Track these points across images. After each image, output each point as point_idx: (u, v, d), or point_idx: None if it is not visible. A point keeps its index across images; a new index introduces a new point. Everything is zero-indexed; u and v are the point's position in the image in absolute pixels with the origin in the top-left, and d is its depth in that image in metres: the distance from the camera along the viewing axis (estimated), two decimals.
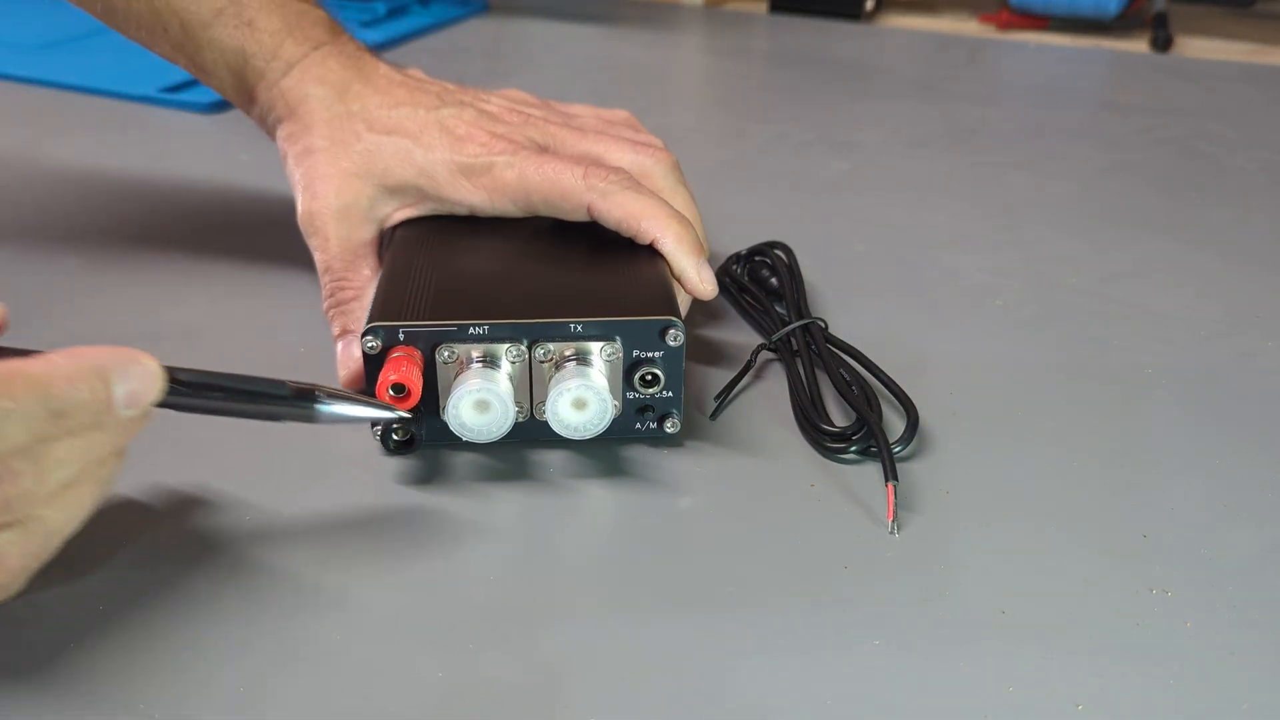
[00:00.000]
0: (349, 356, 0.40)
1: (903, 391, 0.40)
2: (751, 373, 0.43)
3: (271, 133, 0.45)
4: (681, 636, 0.31)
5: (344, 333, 0.41)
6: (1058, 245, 0.57)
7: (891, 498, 0.35)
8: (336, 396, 0.33)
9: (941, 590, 0.33)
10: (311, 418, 0.32)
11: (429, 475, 0.37)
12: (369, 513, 0.35)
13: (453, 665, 0.29)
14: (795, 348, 0.43)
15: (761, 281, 0.48)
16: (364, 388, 0.36)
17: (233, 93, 0.45)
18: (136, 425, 0.29)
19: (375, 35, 0.91)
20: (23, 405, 0.26)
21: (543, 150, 0.42)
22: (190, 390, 0.31)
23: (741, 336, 0.47)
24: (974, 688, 0.29)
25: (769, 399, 0.42)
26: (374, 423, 0.35)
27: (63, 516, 0.29)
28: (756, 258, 0.49)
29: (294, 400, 0.32)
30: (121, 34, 0.44)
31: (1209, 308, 0.51)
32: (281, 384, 0.32)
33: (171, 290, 0.49)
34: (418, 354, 0.35)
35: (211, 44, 0.43)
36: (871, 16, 1.14)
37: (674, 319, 0.36)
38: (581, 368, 0.36)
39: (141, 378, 0.28)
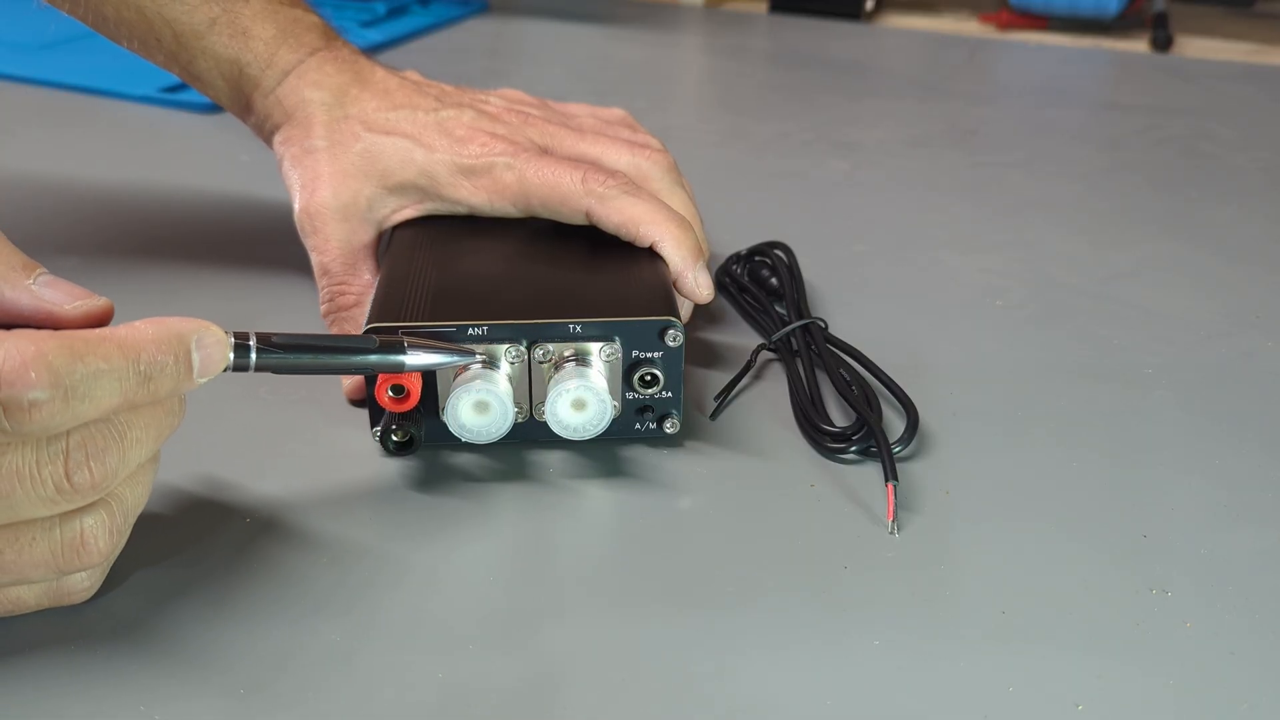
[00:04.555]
0: None
1: (903, 391, 0.40)
2: (751, 373, 0.43)
3: (268, 140, 0.44)
4: (681, 636, 0.31)
5: None
6: (1058, 245, 0.57)
7: (891, 498, 0.35)
8: (420, 346, 0.33)
9: (941, 590, 0.33)
10: (400, 366, 0.33)
11: (429, 475, 0.37)
12: (369, 513, 0.35)
13: (453, 665, 0.29)
14: (795, 348, 0.43)
15: (761, 281, 0.48)
16: (366, 391, 0.36)
17: (229, 101, 0.44)
18: (181, 410, 0.30)
19: (375, 35, 0.91)
20: (115, 366, 0.26)
21: (543, 152, 0.42)
22: (285, 350, 0.31)
23: (741, 336, 0.47)
24: (974, 688, 0.29)
25: (769, 399, 0.42)
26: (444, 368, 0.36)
27: (135, 495, 0.30)
28: (756, 258, 0.49)
29: (384, 350, 0.33)
30: (115, 43, 0.44)
31: (1209, 308, 0.51)
32: (370, 338, 0.33)
33: (171, 291, 0.49)
34: None
35: (206, 53, 0.42)
36: (871, 16, 1.14)
37: (673, 319, 0.36)
38: (581, 368, 0.36)
39: (214, 346, 0.29)
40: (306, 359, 0.32)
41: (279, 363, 0.31)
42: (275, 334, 0.31)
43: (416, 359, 0.33)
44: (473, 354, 0.35)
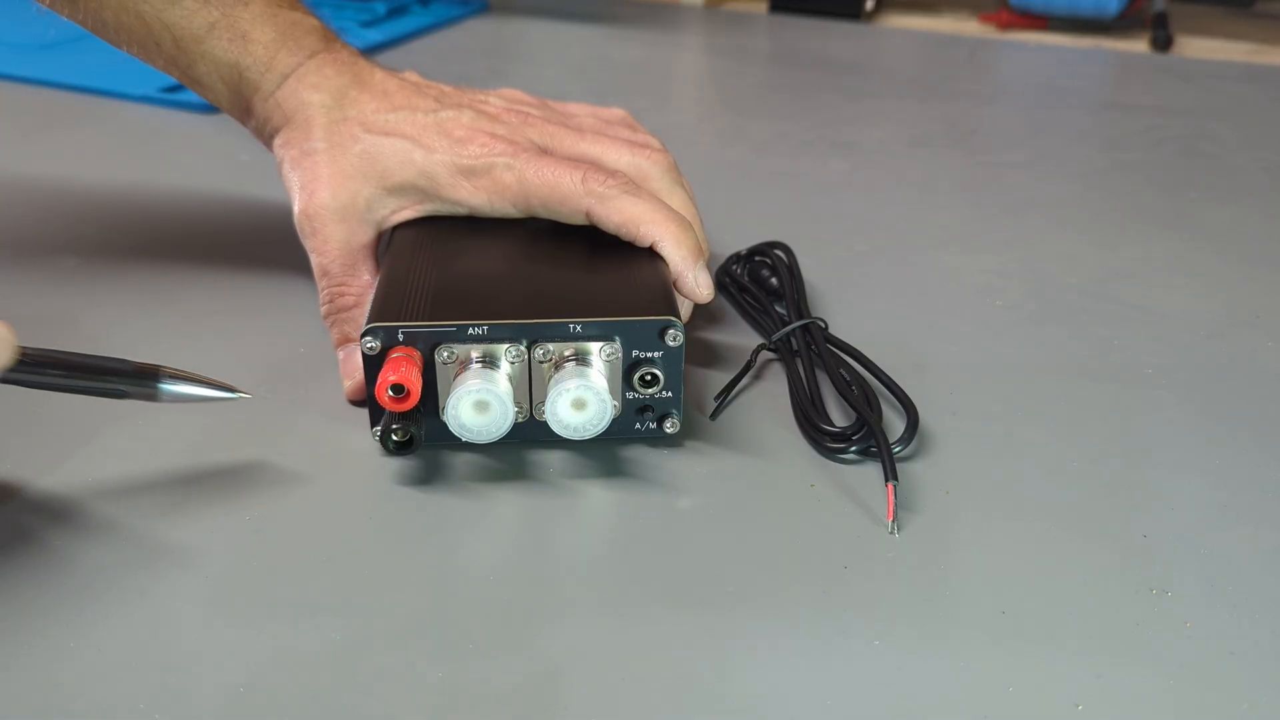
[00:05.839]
0: (352, 366, 0.40)
1: (903, 391, 0.40)
2: (751, 373, 0.43)
3: (268, 143, 0.44)
4: (681, 636, 0.31)
5: (344, 341, 0.41)
6: (1058, 245, 0.57)
7: (891, 498, 0.35)
8: (179, 377, 0.33)
9: (941, 590, 0.33)
10: (154, 396, 0.33)
11: (429, 475, 0.37)
12: (369, 513, 0.35)
13: (453, 665, 0.29)
14: (795, 348, 0.43)
15: (761, 281, 0.48)
16: (366, 391, 0.36)
17: (229, 105, 0.44)
18: None
19: (375, 35, 0.91)
20: None
21: (543, 152, 0.42)
22: (36, 368, 0.31)
23: (741, 336, 0.47)
24: (974, 688, 0.29)
25: (769, 399, 0.42)
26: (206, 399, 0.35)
27: None
28: (756, 258, 0.49)
29: (136, 378, 0.32)
30: (114, 47, 0.44)
31: (1209, 308, 0.51)
32: (124, 361, 0.33)
33: (170, 290, 0.49)
34: (417, 354, 0.35)
35: (205, 58, 0.42)
36: (871, 16, 1.14)
37: (673, 319, 0.36)
38: (581, 368, 0.36)
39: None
40: (55, 375, 0.31)
41: (25, 378, 0.31)
42: (30, 348, 0.30)
43: (173, 388, 0.33)
44: (235, 391, 0.34)
